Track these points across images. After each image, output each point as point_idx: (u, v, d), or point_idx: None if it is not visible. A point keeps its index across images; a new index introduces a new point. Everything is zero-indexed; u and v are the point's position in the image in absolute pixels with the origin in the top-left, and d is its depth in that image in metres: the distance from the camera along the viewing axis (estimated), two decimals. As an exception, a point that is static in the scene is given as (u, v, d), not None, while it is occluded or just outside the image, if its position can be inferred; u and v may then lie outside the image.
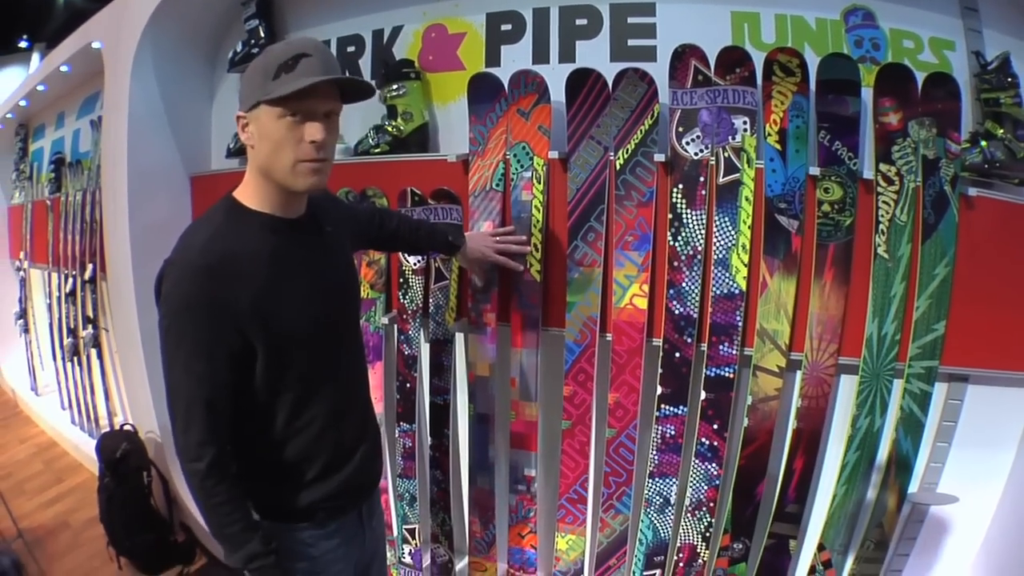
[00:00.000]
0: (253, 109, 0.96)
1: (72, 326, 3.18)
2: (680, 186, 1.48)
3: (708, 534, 1.53)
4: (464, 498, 1.88)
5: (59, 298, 3.28)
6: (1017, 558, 1.42)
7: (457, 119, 1.77)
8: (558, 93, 1.56)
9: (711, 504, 1.52)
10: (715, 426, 1.49)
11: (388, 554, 1.77)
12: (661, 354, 1.51)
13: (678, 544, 1.56)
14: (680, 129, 1.47)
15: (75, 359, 3.22)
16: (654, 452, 1.55)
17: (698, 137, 1.46)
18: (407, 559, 1.91)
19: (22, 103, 3.55)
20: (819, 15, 1.47)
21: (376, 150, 1.77)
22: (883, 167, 1.37)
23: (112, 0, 2.32)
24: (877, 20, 1.45)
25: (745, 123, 1.43)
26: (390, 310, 1.86)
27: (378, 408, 1.82)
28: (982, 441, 1.45)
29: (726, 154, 1.44)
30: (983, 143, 1.31)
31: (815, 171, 1.39)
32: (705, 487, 1.52)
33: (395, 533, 1.92)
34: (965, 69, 1.40)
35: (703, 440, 1.50)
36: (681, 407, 1.52)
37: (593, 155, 1.54)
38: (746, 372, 1.47)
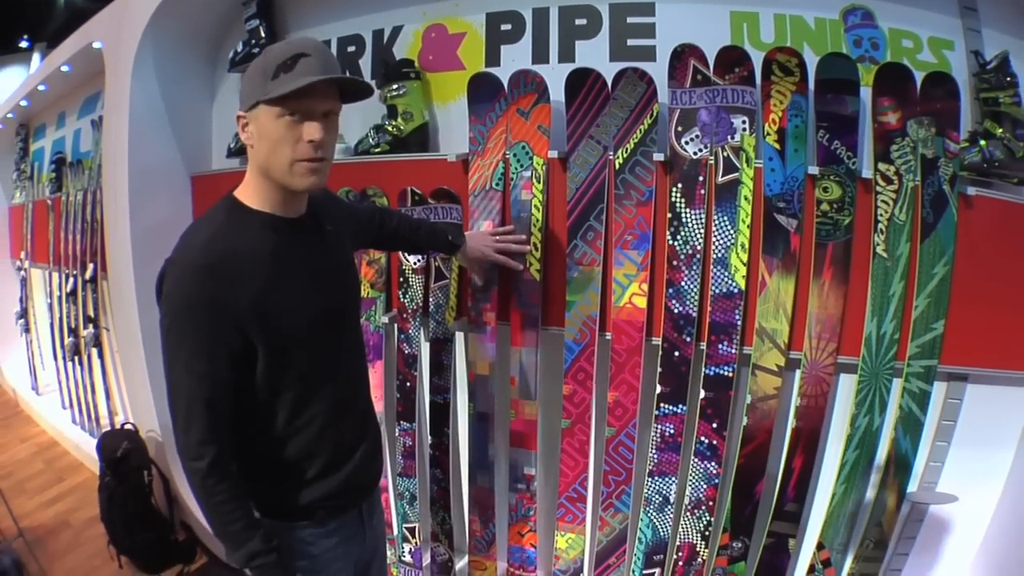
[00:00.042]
0: (252, 109, 0.96)
1: (73, 325, 3.18)
2: (679, 185, 1.48)
3: (707, 533, 1.54)
4: (464, 497, 1.89)
5: (60, 297, 3.29)
6: (1017, 557, 1.43)
7: (457, 119, 1.78)
8: (558, 93, 1.56)
9: (710, 503, 1.52)
10: (714, 425, 1.49)
11: (388, 553, 1.78)
12: (660, 353, 1.52)
13: (677, 543, 1.56)
14: (679, 128, 1.47)
15: (76, 358, 3.22)
16: (653, 451, 1.55)
17: (697, 136, 1.46)
18: (407, 558, 1.92)
19: (23, 103, 3.55)
20: (818, 15, 1.47)
21: (376, 150, 1.77)
22: (882, 166, 1.37)
23: (113, 0, 2.32)
24: (876, 20, 1.45)
25: (744, 122, 1.43)
26: (390, 309, 1.86)
27: (378, 407, 1.83)
28: (981, 440, 1.45)
29: (725, 153, 1.44)
30: (982, 142, 1.31)
31: (814, 170, 1.40)
32: (704, 486, 1.53)
33: (395, 532, 1.92)
34: (964, 68, 1.40)
35: (702, 439, 1.51)
36: (680, 406, 1.52)
37: (592, 154, 1.54)
38: (745, 371, 1.48)
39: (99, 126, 2.67)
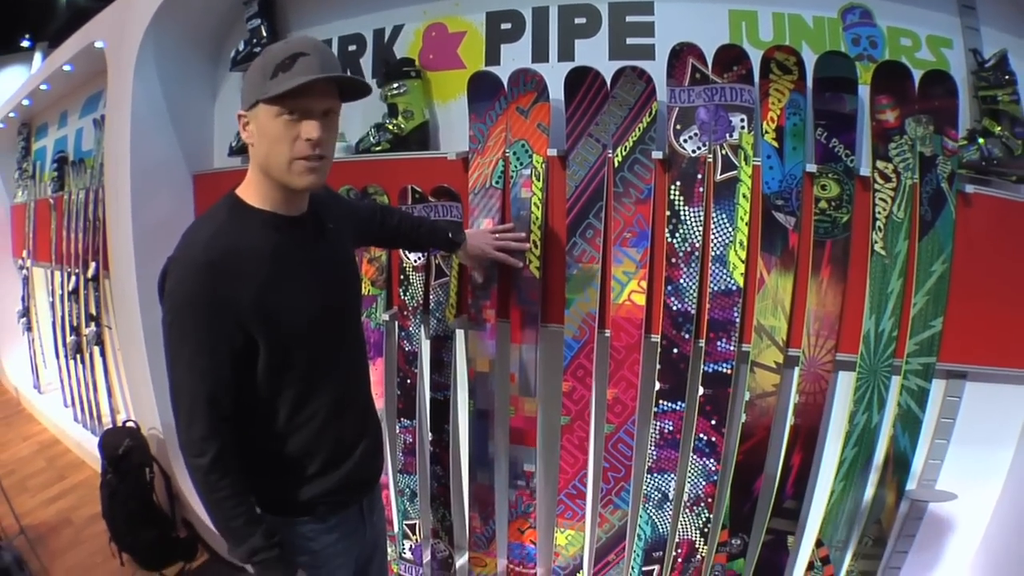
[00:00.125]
0: (252, 108, 0.96)
1: (75, 324, 3.19)
2: (678, 183, 1.48)
3: (706, 529, 1.54)
4: (464, 493, 1.89)
5: (62, 296, 3.30)
6: (1016, 555, 1.43)
7: (457, 117, 1.78)
8: (557, 91, 1.57)
9: (709, 500, 1.53)
10: (713, 422, 1.50)
11: (388, 549, 1.78)
12: (659, 350, 1.52)
13: (676, 539, 1.57)
14: (678, 127, 1.48)
15: (78, 357, 3.23)
16: (652, 448, 1.56)
17: (696, 135, 1.46)
18: (407, 554, 1.92)
19: (25, 102, 3.56)
20: (816, 13, 1.48)
21: (377, 148, 1.78)
22: (880, 164, 1.37)
23: (114, -1, 2.34)
24: (874, 18, 1.45)
25: (742, 121, 1.43)
26: (391, 307, 1.87)
27: (379, 404, 1.83)
28: (981, 438, 1.45)
29: (723, 151, 1.45)
30: (980, 140, 1.32)
31: (812, 168, 1.40)
32: (703, 483, 1.53)
33: (396, 528, 1.93)
34: (962, 67, 1.40)
35: (701, 436, 1.51)
36: (679, 403, 1.52)
37: (592, 153, 1.55)
38: (744, 368, 1.48)
39: (101, 125, 2.68)
